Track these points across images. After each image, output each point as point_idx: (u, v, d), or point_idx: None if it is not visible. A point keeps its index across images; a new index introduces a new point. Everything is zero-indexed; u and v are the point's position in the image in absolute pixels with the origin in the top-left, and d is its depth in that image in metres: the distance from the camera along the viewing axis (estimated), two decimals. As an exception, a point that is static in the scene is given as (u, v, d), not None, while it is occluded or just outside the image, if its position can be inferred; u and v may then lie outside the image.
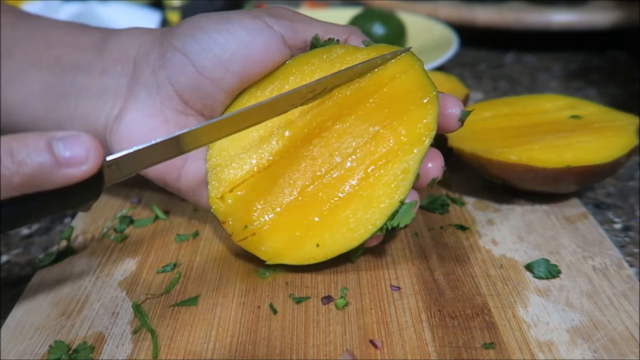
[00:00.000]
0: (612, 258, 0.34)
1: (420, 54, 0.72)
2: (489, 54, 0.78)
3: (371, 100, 0.32)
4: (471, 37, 0.78)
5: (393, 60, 0.32)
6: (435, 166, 0.32)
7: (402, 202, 0.30)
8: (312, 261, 0.32)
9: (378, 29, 0.64)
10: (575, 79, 0.67)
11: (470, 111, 0.32)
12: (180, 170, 0.35)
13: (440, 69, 0.62)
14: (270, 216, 0.33)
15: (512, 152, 0.37)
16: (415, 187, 0.31)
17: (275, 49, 0.33)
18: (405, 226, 0.31)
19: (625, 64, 0.70)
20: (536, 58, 0.75)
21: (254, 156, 0.34)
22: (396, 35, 0.65)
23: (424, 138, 0.31)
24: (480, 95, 0.63)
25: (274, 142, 0.33)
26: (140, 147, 0.26)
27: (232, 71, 0.33)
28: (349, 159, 0.32)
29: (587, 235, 0.36)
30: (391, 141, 0.31)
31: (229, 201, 0.33)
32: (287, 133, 0.33)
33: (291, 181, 0.33)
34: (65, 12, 0.76)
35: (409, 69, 0.32)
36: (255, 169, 0.33)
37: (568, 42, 0.77)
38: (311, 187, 0.32)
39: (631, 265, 0.34)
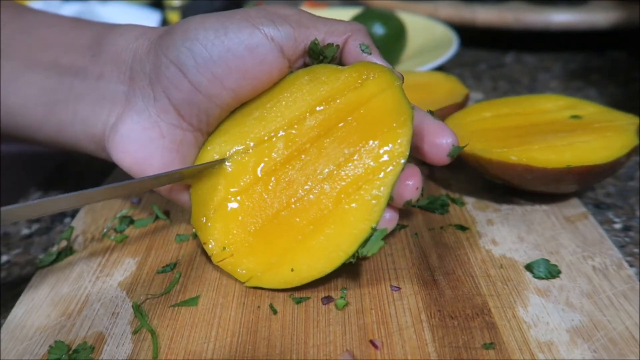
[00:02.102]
0: (612, 258, 0.34)
1: (420, 54, 0.73)
2: (489, 54, 0.78)
3: (349, 120, 0.32)
4: (471, 37, 0.78)
5: (373, 78, 0.31)
6: (411, 187, 0.30)
7: (373, 229, 0.30)
8: (288, 286, 0.32)
9: (378, 29, 0.64)
10: (575, 79, 0.67)
11: (464, 147, 0.31)
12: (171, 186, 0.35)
13: (440, 69, 0.62)
14: (247, 239, 0.33)
15: (512, 152, 0.37)
16: (392, 207, 0.31)
17: (273, 63, 0.32)
18: (373, 255, 0.30)
19: (625, 64, 0.70)
20: (536, 58, 0.75)
21: (235, 178, 0.34)
22: (396, 35, 0.65)
23: (395, 162, 0.30)
24: (480, 95, 0.63)
25: (253, 165, 0.34)
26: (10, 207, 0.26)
27: (228, 87, 0.32)
28: (324, 183, 0.32)
29: (587, 235, 0.36)
30: (363, 165, 0.31)
31: (210, 223, 0.34)
32: (266, 155, 0.33)
33: (268, 204, 0.33)
34: (66, 12, 0.76)
35: (387, 88, 0.31)
36: (236, 190, 0.33)
37: (568, 42, 0.77)
38: (286, 211, 0.32)
39: (631, 265, 0.34)
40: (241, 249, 0.33)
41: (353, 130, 0.31)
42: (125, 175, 0.46)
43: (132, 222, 0.40)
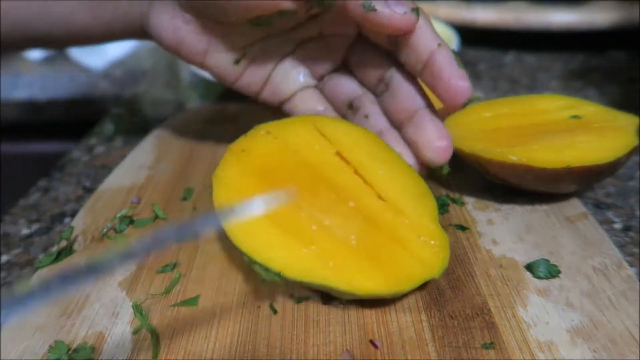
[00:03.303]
0: (612, 258, 0.34)
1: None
2: (489, 54, 0.78)
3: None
4: (471, 37, 0.78)
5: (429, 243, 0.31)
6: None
7: None
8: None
9: (378, 29, 0.64)
10: (575, 79, 0.67)
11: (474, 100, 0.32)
12: (204, 59, 0.39)
13: (440, 69, 0.62)
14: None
15: (512, 152, 0.37)
16: None
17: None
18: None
19: (625, 64, 0.70)
20: (536, 58, 0.75)
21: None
22: (396, 35, 0.65)
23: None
24: (480, 95, 0.63)
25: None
26: None
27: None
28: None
29: (587, 235, 0.36)
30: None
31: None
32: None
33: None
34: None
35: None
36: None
37: (568, 42, 0.77)
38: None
39: (631, 265, 0.34)
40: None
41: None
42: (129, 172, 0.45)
43: (132, 222, 0.40)
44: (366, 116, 0.38)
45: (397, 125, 0.38)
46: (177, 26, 0.37)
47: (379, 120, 0.38)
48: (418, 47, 0.33)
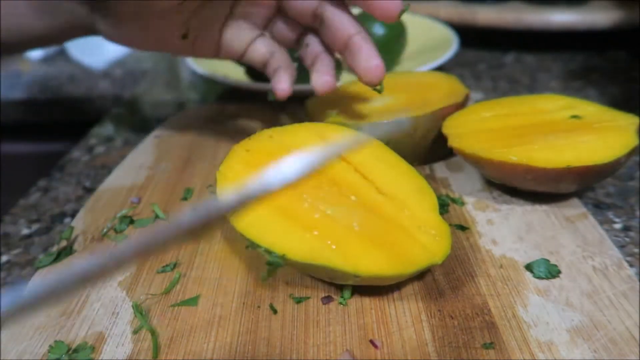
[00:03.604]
0: (612, 258, 0.34)
1: (420, 54, 0.72)
2: (489, 54, 0.78)
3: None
4: (471, 37, 0.78)
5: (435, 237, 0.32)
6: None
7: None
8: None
9: (378, 29, 0.64)
10: (575, 79, 0.67)
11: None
12: (158, 46, 0.43)
13: (440, 69, 0.62)
14: None
15: (512, 152, 0.37)
16: None
17: None
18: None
19: (625, 64, 0.70)
20: (536, 58, 0.75)
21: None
22: (396, 35, 0.65)
23: None
24: (480, 95, 0.63)
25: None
26: None
27: None
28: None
29: (587, 235, 0.36)
30: None
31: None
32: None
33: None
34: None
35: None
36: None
37: (568, 42, 0.77)
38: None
39: (631, 265, 0.34)
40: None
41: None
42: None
43: (132, 222, 0.40)
44: (307, 45, 0.43)
45: (340, 53, 0.41)
46: (123, 33, 0.41)
47: (316, 47, 0.42)
48: None
